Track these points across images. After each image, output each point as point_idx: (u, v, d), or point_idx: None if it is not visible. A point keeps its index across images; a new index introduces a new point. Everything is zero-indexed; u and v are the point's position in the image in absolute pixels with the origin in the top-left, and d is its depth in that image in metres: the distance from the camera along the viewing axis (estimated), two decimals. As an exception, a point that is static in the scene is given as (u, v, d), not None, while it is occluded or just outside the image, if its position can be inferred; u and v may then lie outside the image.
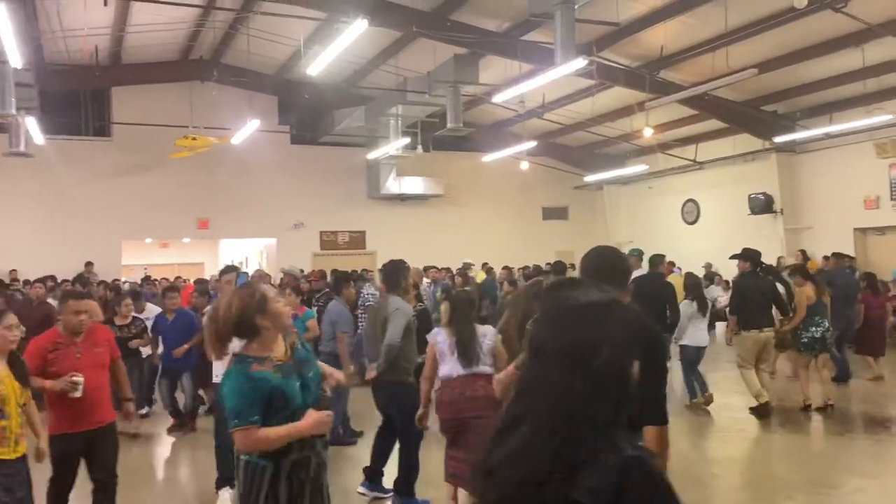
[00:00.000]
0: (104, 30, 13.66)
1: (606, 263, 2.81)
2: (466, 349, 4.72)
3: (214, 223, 18.37)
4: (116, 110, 17.40)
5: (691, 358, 8.35)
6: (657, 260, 8.95)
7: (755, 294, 7.93)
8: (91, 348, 4.57)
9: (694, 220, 19.47)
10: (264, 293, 3.03)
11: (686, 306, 8.27)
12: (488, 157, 18.27)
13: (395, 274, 5.70)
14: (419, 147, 17.22)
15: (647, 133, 15.86)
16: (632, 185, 20.97)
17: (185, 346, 7.74)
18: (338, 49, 9.93)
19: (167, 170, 17.04)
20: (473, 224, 20.43)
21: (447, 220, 20.21)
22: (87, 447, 4.50)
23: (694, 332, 8.27)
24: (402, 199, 19.98)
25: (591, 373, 1.39)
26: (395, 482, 5.42)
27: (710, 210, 18.84)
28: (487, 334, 4.81)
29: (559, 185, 21.43)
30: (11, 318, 4.05)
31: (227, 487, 5.54)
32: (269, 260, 19.83)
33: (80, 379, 4.34)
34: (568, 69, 10.01)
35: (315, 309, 8.80)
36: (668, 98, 13.21)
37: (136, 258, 19.49)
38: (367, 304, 8.66)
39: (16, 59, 9.43)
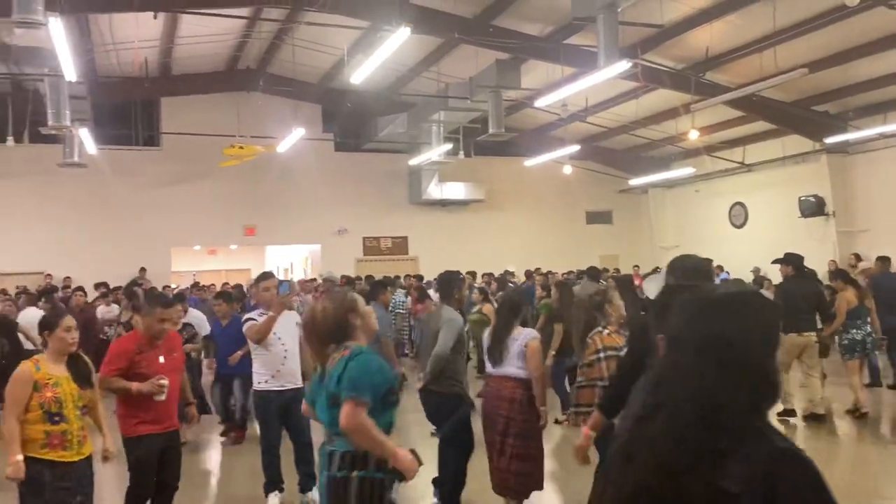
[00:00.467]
0: (154, 42, 14.00)
1: (692, 265, 3.18)
2: (492, 349, 4.88)
3: (261, 230, 18.66)
4: (166, 121, 17.83)
5: None
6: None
7: (798, 298, 7.80)
8: (170, 353, 4.61)
9: (742, 223, 19.08)
10: (353, 295, 3.16)
11: None
12: (530, 162, 18.19)
13: (449, 285, 5.78)
14: (461, 152, 17.26)
15: (693, 135, 15.61)
16: (677, 189, 20.66)
17: (240, 353, 7.33)
18: (381, 57, 10.01)
19: (215, 178, 17.38)
20: (516, 229, 20.35)
21: (489, 226, 20.18)
22: (161, 451, 4.52)
23: None
24: (444, 204, 20.02)
25: (733, 362, 1.44)
26: (441, 493, 5.30)
27: (759, 213, 18.45)
28: (520, 338, 4.83)
29: (603, 188, 21.22)
30: (70, 321, 4.06)
31: (276, 492, 5.60)
32: (314, 266, 20.05)
33: (166, 382, 4.38)
34: (612, 72, 9.93)
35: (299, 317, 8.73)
36: (715, 100, 12.99)
37: (186, 265, 19.89)
38: (396, 310, 8.67)
39: (70, 73, 9.72)
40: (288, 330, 5.56)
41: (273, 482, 5.59)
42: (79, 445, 3.93)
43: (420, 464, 2.90)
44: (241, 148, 15.36)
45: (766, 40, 11.81)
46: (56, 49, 8.75)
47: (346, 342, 3.00)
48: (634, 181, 19.70)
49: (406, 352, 12.72)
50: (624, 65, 9.72)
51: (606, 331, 4.64)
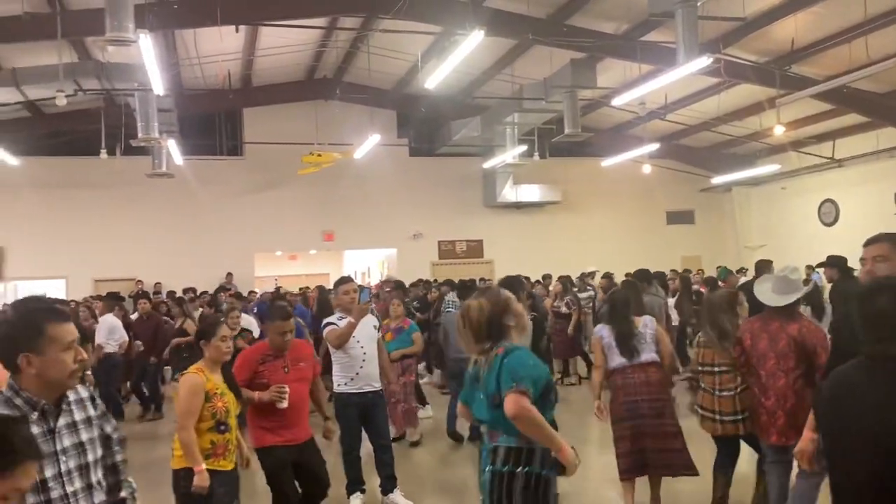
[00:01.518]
0: (236, 55, 14.46)
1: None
2: (626, 344, 5.07)
3: (339, 235, 19.02)
4: (248, 130, 18.41)
5: None
6: (724, 273, 8.87)
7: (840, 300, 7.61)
8: (296, 363, 4.61)
9: (832, 221, 18.24)
10: (508, 295, 3.18)
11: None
12: (608, 162, 17.89)
13: (513, 288, 5.73)
14: (536, 154, 17.12)
15: (779, 131, 15.00)
16: (763, 186, 19.92)
17: None
18: (454, 61, 10.03)
19: (295, 185, 17.81)
20: (593, 231, 20.05)
21: (565, 228, 19.95)
22: (296, 461, 4.54)
23: None
24: (519, 206, 19.91)
25: None
26: None
27: (851, 210, 17.58)
28: (648, 324, 5.17)
29: (684, 187, 20.68)
30: (225, 330, 4.09)
31: (358, 493, 5.66)
32: (391, 269, 20.28)
33: (286, 389, 4.39)
34: (691, 68, 9.66)
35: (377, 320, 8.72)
36: (802, 93, 12.44)
37: (268, 270, 20.45)
38: (447, 311, 8.70)
39: (158, 87, 10.13)
40: (367, 334, 5.61)
41: (355, 483, 5.65)
42: (231, 454, 4.00)
43: (578, 462, 2.97)
44: (319, 155, 15.70)
45: (857, 29, 11.26)
46: (145, 64, 9.13)
47: (501, 341, 3.05)
48: (717, 179, 19.11)
49: None
50: (704, 60, 9.43)
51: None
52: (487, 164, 18.23)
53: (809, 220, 18.63)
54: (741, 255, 19.48)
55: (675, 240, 20.61)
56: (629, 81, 12.93)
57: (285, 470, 4.49)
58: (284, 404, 4.37)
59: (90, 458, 2.35)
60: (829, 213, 18.34)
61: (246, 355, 4.68)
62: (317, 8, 12.47)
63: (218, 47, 13.06)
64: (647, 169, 18.34)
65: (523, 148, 16.41)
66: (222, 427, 3.92)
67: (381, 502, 5.75)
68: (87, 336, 8.50)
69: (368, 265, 22.70)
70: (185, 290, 13.98)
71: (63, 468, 2.24)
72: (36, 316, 2.24)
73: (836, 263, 7.87)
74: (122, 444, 2.63)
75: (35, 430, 2.17)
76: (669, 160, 19.71)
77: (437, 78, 10.92)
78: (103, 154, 13.54)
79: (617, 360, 5.10)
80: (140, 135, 12.05)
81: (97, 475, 2.39)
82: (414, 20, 11.88)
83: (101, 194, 17.00)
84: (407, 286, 13.73)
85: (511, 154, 16.46)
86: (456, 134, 17.67)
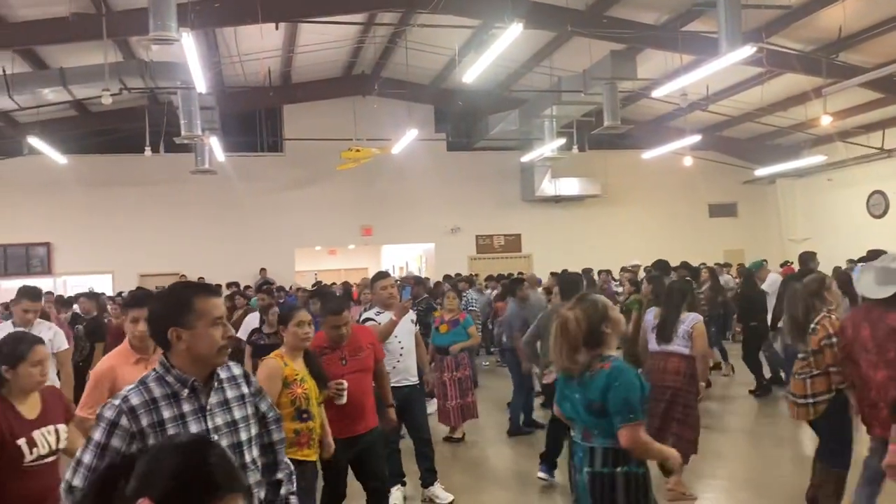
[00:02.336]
0: (276, 52, 14.61)
1: None
2: (662, 329, 5.45)
3: (377, 230, 19.12)
4: (287, 127, 18.60)
5: None
6: (807, 257, 9.17)
7: None
8: (355, 353, 4.49)
9: (882, 213, 17.75)
10: (605, 302, 3.14)
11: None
12: (648, 154, 17.65)
13: (575, 285, 6.25)
14: (575, 147, 16.96)
15: (825, 121, 14.63)
16: (808, 178, 19.47)
17: None
18: (492, 55, 9.98)
19: (333, 181, 17.95)
20: (633, 224, 19.82)
21: (605, 221, 19.76)
22: (355, 454, 4.44)
23: None
24: (558, 200, 19.77)
25: None
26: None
27: (902, 201, 17.10)
28: (686, 321, 5.43)
29: (726, 180, 20.31)
30: (304, 316, 4.02)
31: (398, 486, 5.68)
32: (428, 264, 20.32)
33: (345, 385, 4.24)
34: (734, 58, 9.47)
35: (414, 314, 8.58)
36: (850, 82, 12.10)
37: (308, 265, 20.65)
38: (469, 307, 8.67)
39: (201, 85, 10.28)
40: (405, 328, 5.62)
41: (395, 476, 5.68)
42: (315, 443, 3.90)
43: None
44: (357, 151, 15.80)
45: (909, 15, 10.91)
46: (188, 63, 9.28)
47: (599, 350, 3.04)
48: (760, 171, 18.73)
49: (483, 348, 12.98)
50: (748, 50, 9.24)
51: (833, 316, 4.49)
52: (525, 158, 18.13)
53: (857, 211, 18.15)
54: (785, 249, 19.08)
55: (718, 233, 20.27)
56: (670, 72, 12.75)
57: (339, 466, 4.39)
58: (343, 400, 4.25)
59: (243, 436, 2.31)
60: (879, 205, 17.84)
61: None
62: (355, 4, 12.52)
63: (258, 45, 13.20)
64: (688, 161, 18.06)
65: (562, 141, 16.28)
66: (304, 415, 3.82)
67: (421, 495, 5.77)
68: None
69: (406, 260, 22.78)
70: (229, 285, 14.19)
71: None
72: (184, 291, 2.27)
73: (875, 257, 7.71)
74: (279, 423, 2.57)
75: (186, 407, 2.20)
76: (711, 152, 19.39)
77: (474, 72, 10.88)
78: (147, 151, 13.80)
79: (652, 343, 5.55)
80: (183, 132, 12.26)
81: (251, 454, 2.34)
82: (452, 14, 11.86)
83: (145, 191, 17.35)
84: (430, 283, 13.75)
85: (549, 147, 16.33)
86: (494, 128, 17.60)
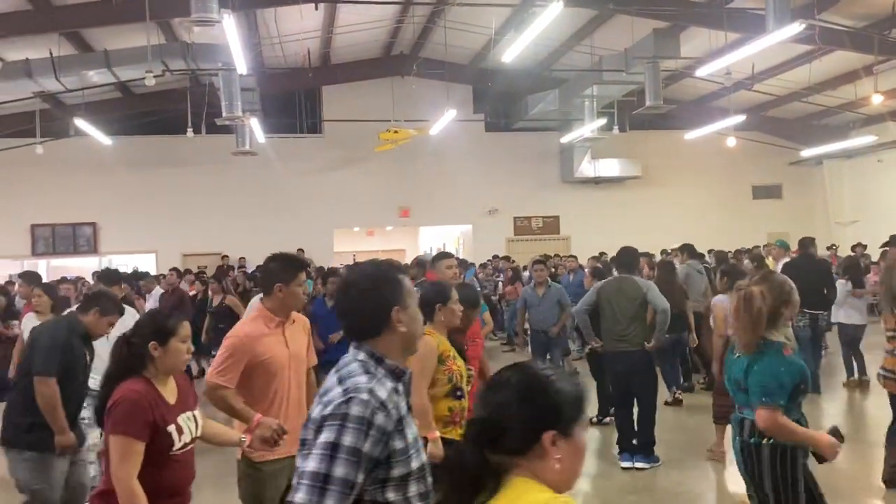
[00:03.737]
0: (315, 33, 14.63)
1: None
2: None
3: (414, 211, 19.15)
4: (326, 108, 18.68)
5: (849, 335, 8.50)
6: (806, 242, 9.10)
7: None
8: (472, 340, 4.38)
9: (934, 195, 17.20)
10: (789, 284, 3.19)
11: (841, 286, 8.44)
12: (691, 135, 17.33)
13: (633, 257, 6.50)
14: (615, 127, 16.73)
15: (876, 100, 14.17)
16: (857, 159, 18.92)
17: (341, 334, 6.30)
18: (532, 34, 9.86)
19: (372, 162, 18.00)
20: (675, 206, 19.52)
21: (646, 203, 19.49)
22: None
23: (849, 310, 8.46)
24: (598, 182, 19.55)
25: None
26: (640, 444, 5.97)
27: (956, 183, 16.53)
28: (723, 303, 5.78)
29: (771, 161, 19.86)
30: (456, 294, 3.91)
31: None
32: (466, 246, 20.30)
33: (473, 371, 4.11)
34: (782, 36, 9.23)
35: None
36: (904, 59, 11.72)
37: (346, 246, 20.80)
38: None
39: (241, 66, 10.37)
40: None
41: None
42: (463, 424, 3.67)
43: (842, 441, 3.04)
44: (395, 132, 15.79)
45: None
46: (228, 44, 9.35)
47: (770, 330, 3.10)
48: (807, 152, 18.27)
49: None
50: (796, 27, 8.98)
51: None
52: (565, 139, 17.94)
53: (908, 194, 17.63)
54: (831, 231, 18.63)
55: (762, 215, 19.87)
56: (714, 51, 12.47)
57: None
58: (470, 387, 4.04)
59: None
60: (931, 187, 17.29)
61: None
62: (394, -17, 12.47)
63: (298, 26, 13.23)
64: (732, 142, 17.66)
65: (602, 121, 16.07)
66: (458, 393, 3.71)
67: None
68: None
69: (444, 241, 22.79)
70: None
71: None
72: (391, 269, 2.07)
73: None
74: None
75: (402, 404, 1.91)
76: (756, 132, 18.96)
77: (514, 51, 10.77)
78: (189, 133, 13.96)
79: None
80: (224, 114, 12.38)
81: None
82: (491, -8, 11.73)
83: (188, 172, 17.61)
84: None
85: (589, 128, 16.13)
86: (533, 108, 17.44)
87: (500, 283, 14.13)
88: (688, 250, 9.73)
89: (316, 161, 18.37)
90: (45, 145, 14.93)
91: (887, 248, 8.88)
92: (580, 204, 19.60)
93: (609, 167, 19.12)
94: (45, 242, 17.75)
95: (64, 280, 10.87)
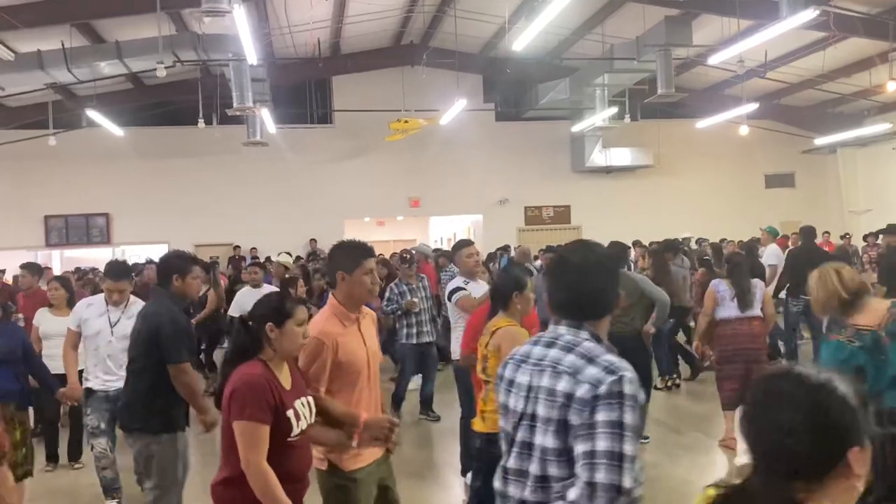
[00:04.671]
0: (325, 23, 14.61)
1: None
2: (744, 297, 5.95)
3: (425, 201, 19.15)
4: (337, 98, 18.67)
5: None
6: (808, 230, 9.35)
7: None
8: (532, 326, 4.37)
9: (950, 183, 17.03)
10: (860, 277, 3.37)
11: None
12: (703, 123, 17.22)
13: (623, 252, 6.65)
14: (627, 116, 16.64)
15: (891, 87, 14.01)
16: (871, 147, 18.75)
17: None
18: (543, 22, 9.81)
19: (382, 152, 18.00)
20: (687, 195, 19.42)
21: (657, 192, 19.39)
22: None
23: None
24: (609, 171, 19.46)
25: None
26: None
27: (972, 171, 16.35)
28: (758, 286, 6.14)
29: (784, 149, 19.71)
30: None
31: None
32: (477, 236, 20.28)
33: None
34: (795, 22, 9.16)
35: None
36: (919, 45, 11.58)
37: (357, 236, 20.64)
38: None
39: (252, 57, 10.38)
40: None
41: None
42: None
43: None
44: (406, 122, 15.78)
45: None
46: (239, 34, 9.35)
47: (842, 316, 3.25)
48: (820, 140, 18.12)
49: None
50: (810, 14, 8.90)
51: None
52: (576, 128, 17.87)
53: (924, 182, 17.46)
54: (845, 220, 18.49)
55: (774, 204, 19.73)
56: (727, 38, 12.36)
57: None
58: None
59: None
60: (947, 175, 17.12)
61: (483, 317, 4.27)
62: (404, -28, 12.42)
63: (307, 15, 13.22)
64: (744, 130, 17.53)
65: (614, 110, 15.99)
66: None
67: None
68: None
69: (455, 231, 22.77)
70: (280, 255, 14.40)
71: None
72: (620, 250, 2.13)
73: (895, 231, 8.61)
74: None
75: None
76: (769, 120, 18.81)
77: (524, 39, 10.73)
78: (201, 123, 14.01)
79: (728, 311, 5.99)
80: (235, 104, 12.40)
81: None
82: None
83: (199, 162, 17.67)
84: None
85: (601, 116, 16.06)
86: (543, 97, 17.36)
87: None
88: (671, 249, 9.70)
89: (326, 151, 18.39)
90: (57, 137, 15.03)
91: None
92: (591, 193, 19.53)
93: (620, 156, 19.03)
94: (59, 233, 17.88)
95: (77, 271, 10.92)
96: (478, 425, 3.92)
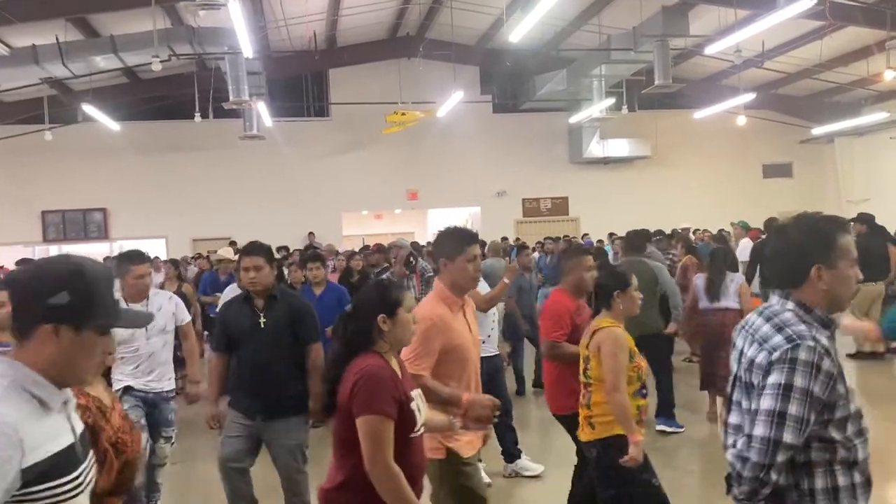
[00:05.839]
0: (320, 15, 14.55)
1: None
2: (711, 288, 6.29)
3: (423, 194, 19.13)
4: (333, 91, 18.61)
5: None
6: (773, 223, 9.53)
7: (871, 253, 8.56)
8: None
9: (948, 172, 17.03)
10: None
11: None
12: (700, 114, 17.20)
13: (643, 240, 6.76)
14: (624, 107, 16.61)
15: (889, 76, 14.00)
16: (869, 136, 18.74)
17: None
18: (540, 12, 9.77)
19: (379, 145, 17.97)
20: (685, 186, 19.43)
21: (655, 183, 19.39)
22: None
23: None
24: (606, 162, 19.45)
25: None
26: (659, 408, 6.30)
27: (970, 160, 16.35)
28: (735, 280, 6.31)
29: (782, 139, 19.71)
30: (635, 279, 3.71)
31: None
32: (475, 228, 20.25)
33: None
34: (792, 11, 9.14)
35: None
36: (917, 34, 11.56)
37: (355, 229, 20.82)
38: (427, 275, 7.96)
39: (247, 50, 10.33)
40: None
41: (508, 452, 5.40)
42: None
43: None
44: (402, 114, 15.74)
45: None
46: (234, 28, 9.31)
47: None
48: (818, 130, 18.12)
49: None
50: (807, 3, 8.87)
51: None
52: (573, 119, 17.84)
53: (921, 171, 17.46)
54: (843, 210, 18.46)
55: (772, 194, 19.73)
56: (724, 28, 12.34)
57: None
58: None
59: None
60: (944, 164, 17.12)
61: (561, 304, 4.15)
62: (399, -36, 12.37)
63: (303, 8, 13.17)
64: (742, 120, 17.51)
65: (611, 101, 15.96)
66: (644, 391, 3.51)
67: (505, 470, 5.44)
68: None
69: (453, 224, 22.73)
70: (279, 249, 14.37)
71: None
72: (827, 226, 2.09)
73: (865, 220, 9.13)
74: None
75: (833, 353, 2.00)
76: (766, 110, 18.80)
77: (521, 30, 10.68)
78: (197, 117, 13.97)
79: (703, 302, 6.38)
80: (231, 98, 12.36)
81: None
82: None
83: (196, 156, 17.63)
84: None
85: (598, 108, 16.03)
86: (540, 88, 17.33)
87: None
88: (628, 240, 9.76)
89: (323, 144, 18.35)
90: (53, 132, 14.98)
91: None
92: (589, 185, 19.52)
93: (618, 147, 19.01)
94: (56, 229, 17.86)
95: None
96: (585, 434, 3.59)
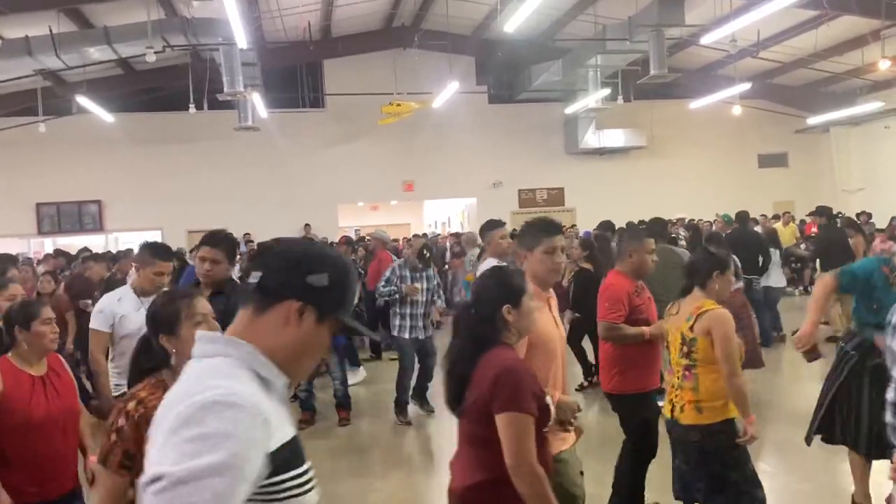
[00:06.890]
0: (315, 5, 14.50)
1: None
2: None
3: (418, 185, 19.11)
4: (328, 82, 18.56)
5: (774, 297, 9.64)
6: (743, 216, 9.98)
7: (828, 244, 8.92)
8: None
9: (942, 161, 17.06)
10: None
11: (772, 254, 9.44)
12: (696, 104, 17.20)
13: (663, 227, 6.96)
14: (619, 97, 16.60)
15: (884, 66, 14.02)
16: (864, 126, 18.77)
17: None
18: (536, 2, 9.75)
19: (375, 136, 17.94)
20: (680, 176, 19.44)
21: (651, 173, 19.40)
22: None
23: (776, 276, 9.65)
24: (602, 153, 19.45)
25: None
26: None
27: (964, 149, 16.39)
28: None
29: (777, 129, 19.72)
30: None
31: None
32: (471, 219, 20.28)
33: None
34: (788, 0, 9.11)
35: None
36: (912, 23, 11.56)
37: (351, 221, 20.81)
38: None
39: (242, 41, 10.30)
40: None
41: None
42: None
43: None
44: (398, 105, 15.71)
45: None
46: (228, 18, 9.28)
47: None
48: (813, 119, 18.14)
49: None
50: (803, -10, 8.87)
51: None
52: (569, 110, 17.83)
53: (916, 160, 17.49)
54: (838, 199, 18.52)
55: (768, 184, 19.78)
56: (719, 18, 12.32)
57: (651, 422, 4.05)
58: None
59: None
60: (939, 153, 17.15)
61: (618, 286, 4.11)
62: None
63: (298, -1, 13.12)
64: (737, 110, 17.53)
65: (606, 91, 15.95)
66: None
67: None
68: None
69: (449, 215, 22.76)
70: (274, 241, 14.36)
71: None
72: None
73: (824, 213, 9.45)
74: None
75: None
76: (762, 100, 18.80)
77: (517, 20, 10.66)
78: (192, 109, 13.92)
79: None
80: (226, 89, 12.31)
81: None
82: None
83: (191, 148, 17.58)
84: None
85: (594, 98, 16.02)
86: (536, 79, 17.31)
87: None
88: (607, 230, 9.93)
89: (319, 135, 18.31)
90: (47, 124, 14.92)
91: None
92: (585, 175, 19.53)
93: (614, 137, 19.01)
94: (51, 221, 17.81)
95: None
96: (689, 417, 3.50)
